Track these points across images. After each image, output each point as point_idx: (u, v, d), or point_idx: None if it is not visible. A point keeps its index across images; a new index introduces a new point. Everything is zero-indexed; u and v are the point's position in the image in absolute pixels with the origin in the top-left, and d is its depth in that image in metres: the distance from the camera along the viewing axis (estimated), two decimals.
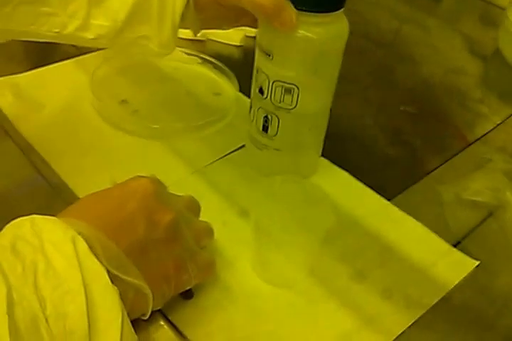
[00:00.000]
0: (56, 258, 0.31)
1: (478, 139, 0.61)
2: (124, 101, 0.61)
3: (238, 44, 0.74)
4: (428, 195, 0.53)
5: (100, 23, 0.45)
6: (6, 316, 0.27)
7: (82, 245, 0.32)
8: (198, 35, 0.72)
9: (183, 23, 0.47)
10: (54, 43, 0.48)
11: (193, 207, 0.43)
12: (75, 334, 0.29)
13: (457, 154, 0.58)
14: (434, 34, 0.83)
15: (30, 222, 0.33)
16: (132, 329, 0.33)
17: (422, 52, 0.78)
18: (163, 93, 0.64)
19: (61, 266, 0.31)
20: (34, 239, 0.32)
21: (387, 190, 0.52)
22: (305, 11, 0.41)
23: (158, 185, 0.39)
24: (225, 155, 0.55)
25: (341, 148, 0.58)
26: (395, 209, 0.50)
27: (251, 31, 0.75)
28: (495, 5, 0.90)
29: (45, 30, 0.45)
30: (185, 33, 0.73)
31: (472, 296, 0.45)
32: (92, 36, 0.45)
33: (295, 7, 0.41)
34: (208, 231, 0.43)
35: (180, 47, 0.70)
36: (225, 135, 0.58)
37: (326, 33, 0.43)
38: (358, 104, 0.65)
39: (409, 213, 0.50)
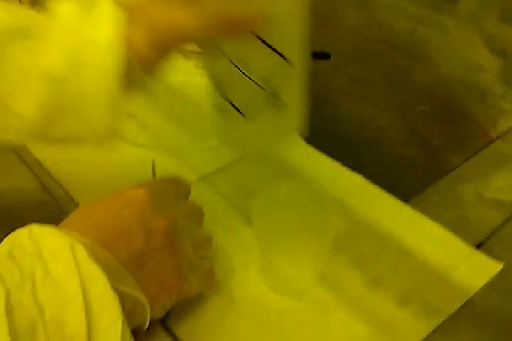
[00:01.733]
0: (54, 265, 0.30)
1: (501, 136, 0.58)
2: (132, 115, 0.60)
3: None
4: (448, 194, 0.50)
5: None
6: (6, 318, 0.27)
7: (81, 251, 0.31)
8: None
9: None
10: None
11: (195, 214, 0.41)
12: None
13: (478, 152, 0.55)
14: (452, 34, 0.80)
15: (28, 231, 0.32)
16: (131, 336, 0.31)
17: (439, 52, 0.75)
18: (172, 106, 0.63)
19: (59, 272, 0.30)
20: (31, 246, 0.31)
21: (406, 191, 0.50)
22: None
23: (154, 192, 0.37)
24: (231, 163, 0.53)
25: (356, 151, 0.56)
26: (412, 211, 0.47)
27: None
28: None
29: None
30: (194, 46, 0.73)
31: (498, 300, 0.41)
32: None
33: None
34: (208, 241, 0.41)
35: (190, 59, 0.69)
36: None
37: None
38: (373, 107, 0.63)
39: (428, 215, 0.47)
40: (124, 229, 0.35)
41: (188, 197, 0.42)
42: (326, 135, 0.58)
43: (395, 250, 0.44)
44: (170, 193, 0.40)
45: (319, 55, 0.72)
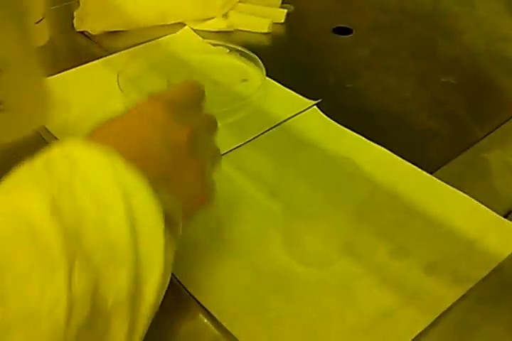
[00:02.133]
0: (92, 174, 0.29)
1: None
2: None
3: (266, 31, 0.71)
4: (474, 164, 0.49)
5: None
6: (53, 220, 0.26)
7: (118, 160, 0.30)
8: (225, 26, 0.72)
9: None
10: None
11: (211, 125, 0.40)
12: (117, 246, 0.28)
13: (504, 123, 0.54)
14: (476, 4, 0.78)
15: (60, 147, 0.31)
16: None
17: (463, 23, 0.73)
18: None
19: (98, 180, 0.29)
20: (66, 158, 0.30)
21: (430, 163, 0.49)
22: None
23: (172, 105, 0.36)
24: (253, 139, 0.53)
25: (380, 124, 0.55)
26: (437, 181, 0.47)
27: (279, 18, 0.73)
28: None
29: None
30: (212, 25, 0.73)
31: None
32: None
33: None
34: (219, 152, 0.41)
35: (206, 38, 0.69)
36: (253, 119, 0.56)
37: None
38: (395, 78, 0.62)
39: (455, 185, 0.46)
40: (150, 150, 0.34)
41: (203, 101, 0.40)
42: (348, 108, 0.57)
43: (421, 220, 0.43)
44: (188, 102, 0.38)
45: (340, 30, 0.71)
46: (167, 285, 0.31)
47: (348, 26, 0.71)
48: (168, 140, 0.34)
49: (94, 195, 0.29)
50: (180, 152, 0.34)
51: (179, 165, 0.34)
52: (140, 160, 0.31)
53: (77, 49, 0.69)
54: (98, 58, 0.66)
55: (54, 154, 0.31)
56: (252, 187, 0.47)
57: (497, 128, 0.53)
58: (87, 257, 0.27)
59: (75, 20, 0.71)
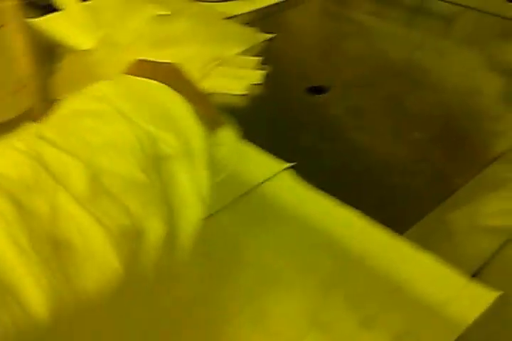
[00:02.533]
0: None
1: (496, 159, 0.57)
2: None
3: (243, 93, 0.73)
4: (441, 224, 0.49)
5: None
6: None
7: None
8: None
9: None
10: None
11: None
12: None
13: (473, 178, 0.55)
14: (449, 56, 0.80)
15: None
16: None
17: (435, 77, 0.75)
18: None
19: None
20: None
21: (399, 223, 0.50)
22: None
23: None
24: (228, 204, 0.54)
25: (354, 184, 0.56)
26: (406, 243, 0.47)
27: (256, 79, 0.75)
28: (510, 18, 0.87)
29: None
30: None
31: (496, 331, 0.40)
32: None
33: None
34: None
35: None
36: (228, 183, 0.57)
37: None
38: (369, 138, 0.63)
39: (423, 246, 0.47)
40: None
41: None
42: (324, 170, 0.58)
43: (389, 286, 0.44)
44: None
45: (316, 89, 0.73)
46: None
47: (323, 85, 0.73)
48: None
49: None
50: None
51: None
52: None
53: None
54: None
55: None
56: (226, 256, 0.48)
57: (465, 184, 0.54)
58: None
59: (51, 89, 0.71)
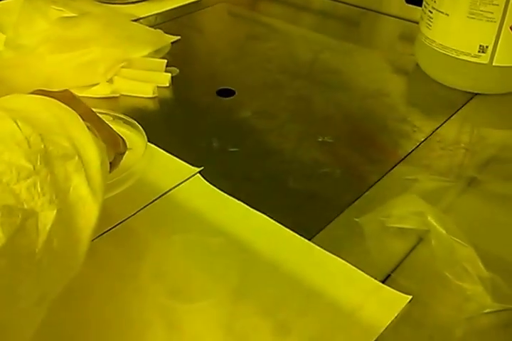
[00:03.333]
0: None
1: (402, 160, 0.58)
2: None
3: (151, 96, 0.71)
4: (350, 227, 0.50)
5: None
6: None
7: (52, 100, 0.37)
8: (109, 92, 0.72)
9: None
10: None
11: None
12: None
13: (380, 180, 0.56)
14: (354, 58, 0.82)
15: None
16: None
17: (340, 79, 0.76)
18: None
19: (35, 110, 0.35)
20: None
21: (308, 227, 0.49)
22: None
23: None
24: (137, 212, 0.52)
25: (261, 188, 0.55)
26: (317, 248, 0.47)
27: (163, 82, 0.73)
28: (412, 21, 0.89)
29: None
30: (96, 91, 0.72)
31: (408, 334, 0.41)
32: None
33: None
34: None
35: (91, 105, 0.68)
36: (137, 189, 0.55)
37: None
38: (276, 141, 0.63)
39: (333, 250, 0.47)
40: None
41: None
42: (232, 174, 0.57)
43: (302, 292, 0.43)
44: None
45: (224, 92, 0.72)
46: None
47: (231, 88, 0.73)
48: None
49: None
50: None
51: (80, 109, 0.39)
52: None
53: None
54: None
55: None
56: (133, 268, 0.46)
57: (372, 186, 0.55)
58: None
59: None
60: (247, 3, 1.03)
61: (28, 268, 0.29)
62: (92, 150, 0.36)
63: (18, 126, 0.32)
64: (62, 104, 0.37)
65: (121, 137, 0.47)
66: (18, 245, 0.28)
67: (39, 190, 0.30)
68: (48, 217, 0.30)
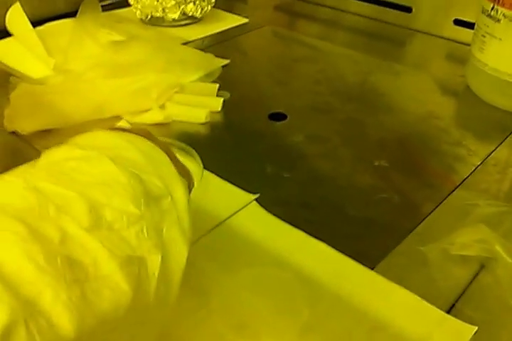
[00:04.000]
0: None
1: (459, 185, 0.58)
2: None
3: (204, 121, 0.72)
4: (413, 256, 0.49)
5: None
6: None
7: None
8: (162, 118, 0.73)
9: None
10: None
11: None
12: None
13: (440, 204, 0.55)
14: (403, 80, 0.82)
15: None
16: None
17: (391, 101, 0.76)
18: None
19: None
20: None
21: (370, 256, 0.49)
22: None
23: None
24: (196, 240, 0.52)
25: (318, 215, 0.56)
26: (380, 278, 0.47)
27: (215, 107, 0.74)
28: (460, 42, 0.89)
29: None
30: (149, 118, 0.73)
31: None
32: None
33: None
34: None
35: None
36: (195, 218, 0.55)
37: None
38: (330, 166, 0.63)
39: (396, 280, 0.47)
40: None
41: None
42: (288, 200, 0.58)
43: (368, 323, 0.43)
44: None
45: (276, 116, 0.73)
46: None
47: (282, 112, 0.73)
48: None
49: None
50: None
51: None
52: None
53: (7, 150, 0.68)
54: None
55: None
56: (195, 302, 0.46)
57: (432, 212, 0.55)
58: None
59: (5, 120, 0.69)
60: (286, 24, 1.05)
61: (143, 321, 0.29)
62: (180, 189, 0.35)
63: (117, 166, 0.32)
64: (147, 140, 0.37)
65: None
66: (139, 297, 0.28)
67: (146, 234, 0.30)
68: (154, 262, 0.30)
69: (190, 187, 0.44)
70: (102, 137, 0.36)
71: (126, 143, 0.35)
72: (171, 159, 0.39)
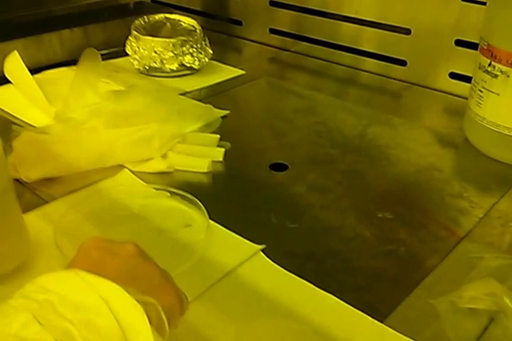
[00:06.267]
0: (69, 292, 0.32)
1: (464, 237, 0.58)
2: None
3: (206, 171, 0.73)
4: (422, 308, 0.49)
5: None
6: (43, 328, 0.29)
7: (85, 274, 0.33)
8: (165, 167, 0.73)
9: None
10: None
11: None
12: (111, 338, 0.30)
13: (446, 256, 0.55)
14: (401, 133, 0.83)
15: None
16: None
17: (391, 153, 0.77)
18: (134, 233, 0.61)
19: (75, 293, 0.32)
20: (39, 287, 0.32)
21: (379, 309, 0.49)
22: None
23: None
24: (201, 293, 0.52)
25: (325, 266, 0.55)
26: (391, 331, 0.46)
27: (217, 156, 0.75)
28: (456, 95, 0.92)
29: None
30: (151, 166, 0.73)
31: None
32: None
33: None
34: None
35: (147, 182, 0.69)
36: (199, 269, 0.55)
37: None
38: (335, 217, 0.63)
39: (406, 332, 0.46)
40: (104, 266, 0.37)
41: None
42: (293, 251, 0.58)
43: None
44: None
45: (277, 166, 0.73)
46: None
47: (283, 162, 0.74)
48: (116, 253, 0.38)
49: (73, 306, 0.31)
50: (135, 258, 0.38)
51: (141, 269, 0.38)
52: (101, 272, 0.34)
53: None
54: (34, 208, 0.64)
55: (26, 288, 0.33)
56: None
57: (439, 264, 0.55)
58: None
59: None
60: (283, 75, 1.07)
61: None
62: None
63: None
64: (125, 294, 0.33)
65: (185, 294, 0.42)
66: None
67: None
68: None
69: (184, 312, 0.41)
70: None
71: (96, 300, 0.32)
72: (163, 284, 0.38)
